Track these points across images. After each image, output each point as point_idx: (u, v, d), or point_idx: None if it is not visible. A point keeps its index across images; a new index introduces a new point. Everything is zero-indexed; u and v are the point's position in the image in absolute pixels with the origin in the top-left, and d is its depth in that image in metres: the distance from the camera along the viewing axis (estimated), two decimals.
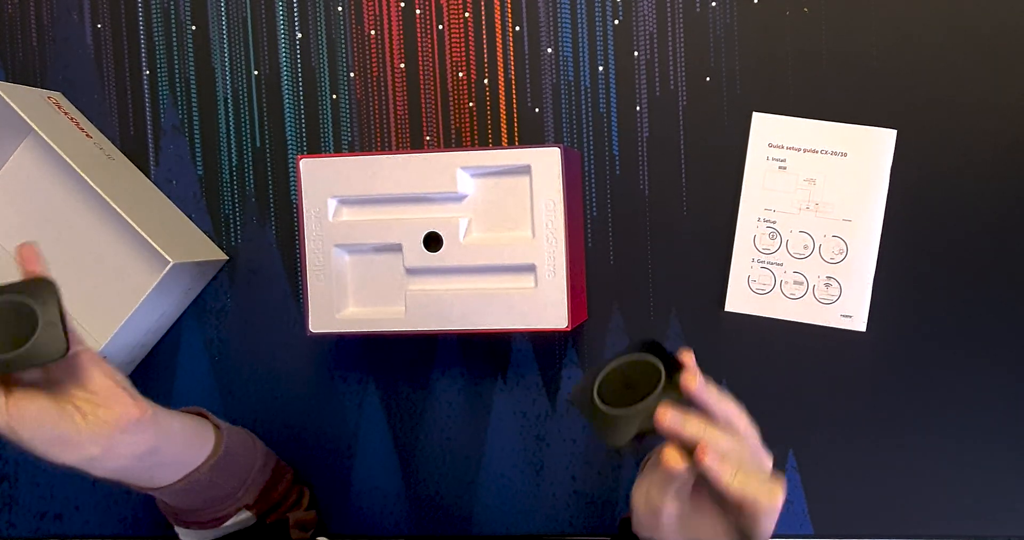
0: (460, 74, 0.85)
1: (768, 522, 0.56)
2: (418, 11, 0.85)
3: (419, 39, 0.85)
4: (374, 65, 0.86)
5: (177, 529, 0.75)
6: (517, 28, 0.84)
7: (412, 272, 0.78)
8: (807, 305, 0.81)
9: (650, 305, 0.83)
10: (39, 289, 0.58)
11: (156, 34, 0.88)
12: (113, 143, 0.88)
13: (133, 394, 0.62)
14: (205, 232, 0.88)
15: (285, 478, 0.80)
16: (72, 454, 0.60)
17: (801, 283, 0.81)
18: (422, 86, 0.85)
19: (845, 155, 0.80)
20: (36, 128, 0.78)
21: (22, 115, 0.78)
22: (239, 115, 0.87)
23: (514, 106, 0.84)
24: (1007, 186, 0.79)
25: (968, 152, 0.79)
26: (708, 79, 0.82)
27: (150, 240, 0.78)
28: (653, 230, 0.83)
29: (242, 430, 0.76)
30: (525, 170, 0.75)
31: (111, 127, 0.88)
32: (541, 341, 0.84)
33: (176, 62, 0.88)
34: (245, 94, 0.87)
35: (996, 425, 0.80)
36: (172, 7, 0.87)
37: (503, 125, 0.84)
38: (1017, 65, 0.79)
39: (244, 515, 0.73)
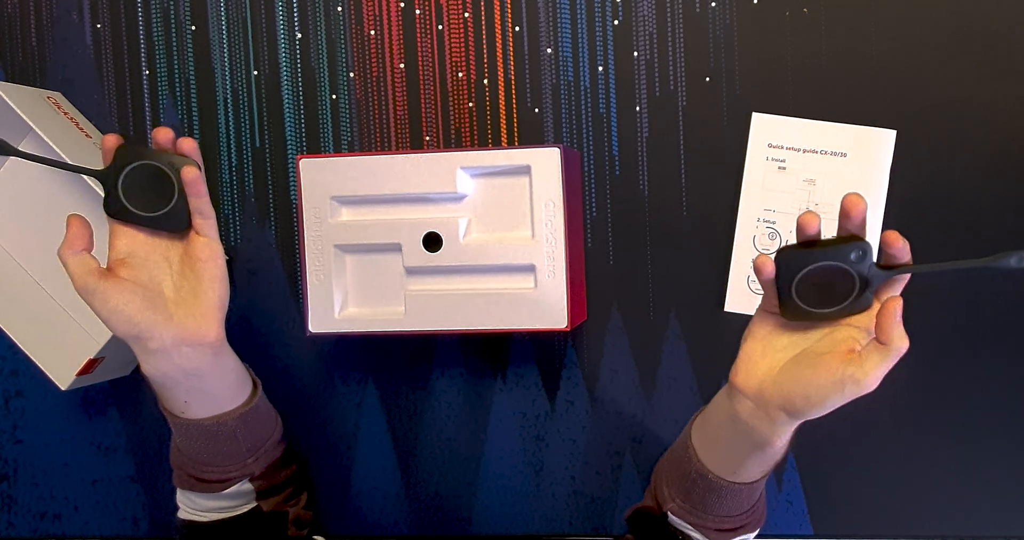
0: (460, 74, 0.85)
1: (888, 361, 0.57)
2: (418, 11, 0.85)
3: (419, 39, 0.85)
4: (374, 65, 0.86)
5: (179, 493, 0.75)
6: (517, 28, 0.84)
7: (412, 272, 0.78)
8: None
9: (650, 305, 0.83)
10: (185, 161, 0.65)
11: (156, 34, 0.88)
12: None
13: (221, 318, 0.67)
14: None
15: (292, 466, 0.80)
16: (131, 334, 0.64)
17: None
18: (422, 86, 0.85)
19: (845, 155, 0.80)
20: (36, 128, 0.78)
21: (22, 115, 0.78)
22: (239, 115, 0.87)
23: (514, 106, 0.84)
24: (1007, 186, 0.79)
25: (968, 152, 0.79)
26: (708, 79, 0.82)
27: None
28: (653, 230, 0.83)
29: (270, 403, 0.77)
30: (525, 170, 0.75)
31: (111, 127, 0.88)
32: (541, 341, 0.84)
33: (176, 62, 0.88)
34: (245, 94, 0.87)
35: (996, 425, 0.80)
36: (172, 7, 0.87)
37: (503, 125, 0.84)
38: (1017, 65, 0.79)
39: (246, 486, 0.74)
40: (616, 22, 0.83)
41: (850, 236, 0.58)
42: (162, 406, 0.70)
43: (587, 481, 0.85)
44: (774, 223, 0.81)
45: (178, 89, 0.88)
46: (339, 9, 0.86)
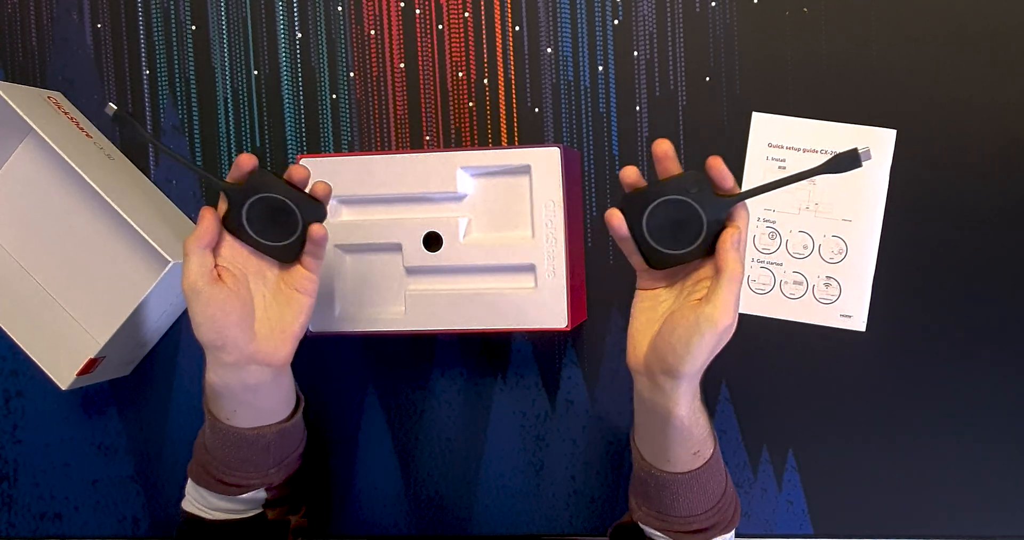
0: (460, 74, 0.85)
1: (731, 289, 0.58)
2: (418, 11, 0.85)
3: (419, 39, 0.85)
4: (374, 65, 0.86)
5: (190, 485, 0.75)
6: (517, 28, 0.84)
7: (412, 272, 0.78)
8: (807, 305, 0.81)
9: None
10: (315, 205, 0.66)
11: (156, 34, 0.88)
12: (113, 143, 0.88)
13: (296, 344, 0.68)
14: None
15: (304, 477, 0.80)
16: (213, 344, 0.65)
17: (801, 283, 0.81)
18: (422, 86, 0.85)
19: None
20: (36, 128, 0.78)
21: (22, 115, 0.78)
22: (239, 115, 0.87)
23: (514, 106, 0.84)
24: (1007, 186, 0.79)
25: (968, 152, 0.79)
26: (708, 79, 0.82)
27: (150, 240, 0.78)
28: None
29: (302, 416, 0.78)
30: (525, 170, 0.75)
31: (111, 127, 0.88)
32: (541, 341, 0.84)
33: (176, 62, 0.88)
34: (245, 94, 0.87)
35: (996, 425, 0.80)
36: (172, 7, 0.87)
37: (503, 125, 0.84)
38: (1017, 65, 0.79)
39: (260, 494, 0.74)
40: (616, 22, 0.83)
41: (683, 172, 0.60)
42: (207, 408, 0.70)
43: (587, 481, 0.85)
44: (774, 223, 0.81)
45: (178, 89, 0.88)
46: (339, 9, 0.86)
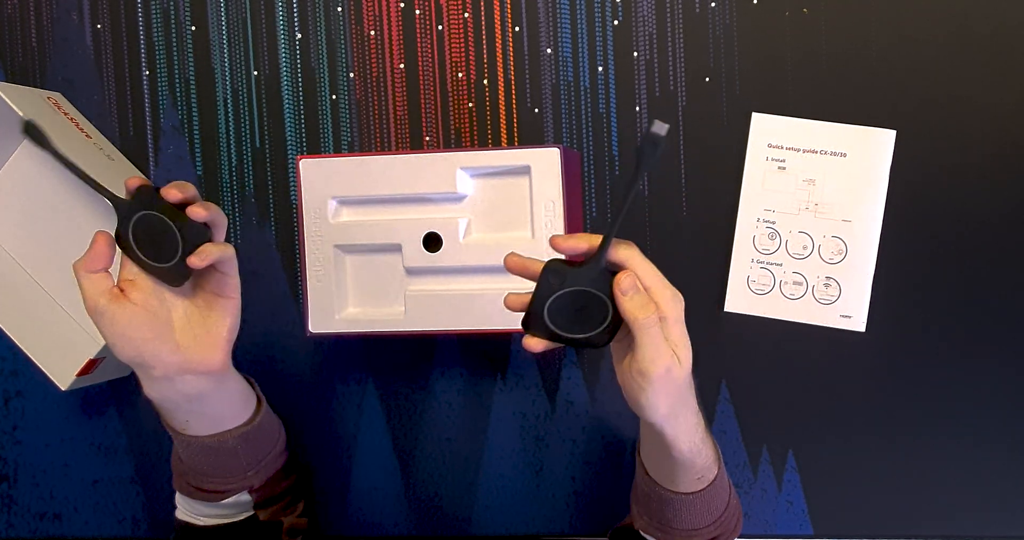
0: (460, 74, 0.85)
1: (646, 337, 0.56)
2: (418, 11, 0.85)
3: (419, 39, 0.85)
4: (374, 65, 0.86)
5: (177, 497, 0.75)
6: (517, 28, 0.84)
7: (412, 272, 0.78)
8: (806, 305, 0.81)
9: None
10: (195, 227, 0.61)
11: (156, 35, 0.88)
12: (113, 143, 0.88)
13: (229, 348, 0.65)
14: None
15: (292, 475, 0.80)
16: (135, 361, 0.63)
17: (800, 283, 0.81)
18: (422, 86, 0.85)
19: (845, 155, 0.80)
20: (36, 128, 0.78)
21: (22, 115, 0.78)
22: (239, 115, 0.87)
23: (514, 106, 0.84)
24: (1007, 186, 0.79)
25: (968, 152, 0.79)
26: (708, 79, 0.82)
27: None
28: (653, 230, 0.83)
29: (275, 414, 0.77)
30: (525, 170, 0.75)
31: (111, 127, 0.88)
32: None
33: (176, 62, 0.88)
34: (245, 94, 0.87)
35: (996, 425, 0.80)
36: (172, 8, 0.87)
37: (503, 125, 0.84)
38: (1017, 65, 0.79)
39: (244, 497, 0.74)
40: (616, 22, 0.83)
41: (543, 269, 0.58)
42: (163, 421, 0.69)
43: (587, 481, 0.85)
44: (774, 223, 0.81)
45: (178, 89, 0.88)
46: (339, 9, 0.86)
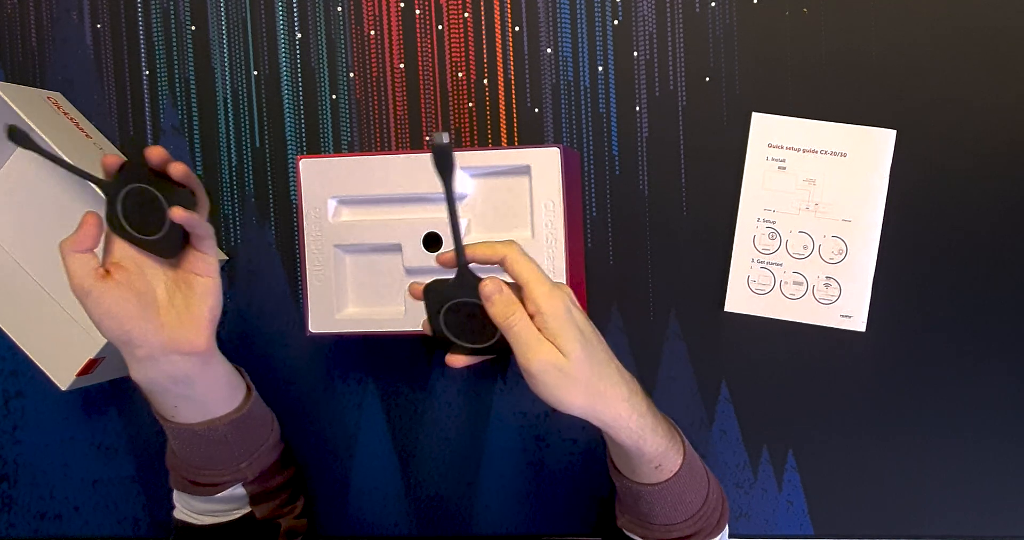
0: (460, 74, 0.85)
1: (513, 335, 0.59)
2: (418, 11, 0.85)
3: (419, 39, 0.85)
4: (374, 65, 0.86)
5: (175, 493, 0.76)
6: (517, 28, 0.84)
7: (412, 272, 0.78)
8: (807, 305, 0.81)
9: (650, 305, 0.83)
10: (181, 194, 0.63)
11: (156, 34, 0.88)
12: (113, 143, 0.88)
13: (212, 329, 0.66)
14: None
15: (288, 470, 0.80)
16: (120, 340, 0.64)
17: (801, 283, 0.81)
18: (422, 86, 0.85)
19: (845, 155, 0.80)
20: (36, 128, 0.78)
21: (22, 115, 0.78)
22: (239, 115, 0.87)
23: (514, 106, 0.84)
24: (1007, 186, 0.79)
25: (968, 152, 0.79)
26: (708, 79, 0.82)
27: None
28: (653, 230, 0.83)
29: (267, 407, 0.77)
30: (525, 170, 0.75)
31: (111, 127, 0.88)
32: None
33: (176, 62, 0.88)
34: (245, 94, 0.87)
35: (996, 425, 0.80)
36: (172, 7, 0.87)
37: (503, 125, 0.84)
38: (1017, 65, 0.79)
39: (239, 491, 0.74)
40: (616, 22, 0.83)
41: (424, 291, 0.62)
42: (154, 410, 0.70)
43: (587, 481, 0.85)
44: (774, 223, 0.81)
45: (178, 89, 0.88)
46: (339, 9, 0.86)
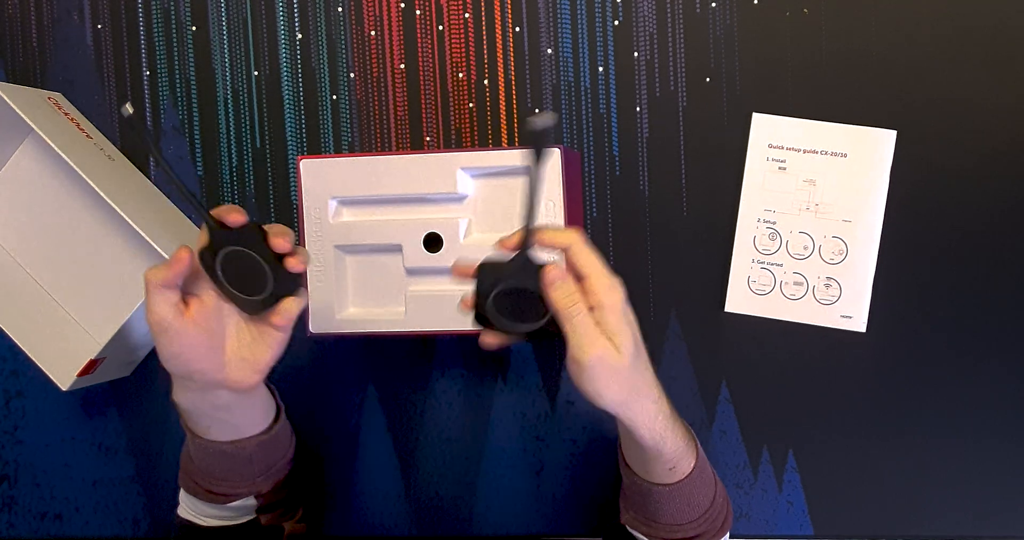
0: (460, 74, 0.85)
1: (571, 325, 0.58)
2: (418, 12, 0.85)
3: (419, 40, 0.85)
4: (374, 65, 0.86)
5: (182, 495, 0.76)
6: (517, 28, 0.84)
7: (412, 272, 0.78)
8: (807, 306, 0.81)
9: (650, 305, 0.83)
10: (291, 278, 0.64)
11: (156, 35, 0.88)
12: (113, 143, 0.88)
13: (265, 373, 0.66)
14: None
15: (295, 482, 0.80)
16: (180, 375, 0.64)
17: (801, 284, 0.81)
18: (422, 86, 0.85)
19: (845, 156, 0.80)
20: (36, 128, 0.78)
21: (22, 115, 0.78)
22: (239, 116, 0.87)
23: (514, 106, 0.84)
24: (1007, 186, 0.79)
25: (968, 152, 0.79)
26: (708, 80, 0.82)
27: (150, 240, 0.78)
28: (653, 230, 0.83)
29: (290, 424, 0.78)
30: (525, 171, 0.75)
31: (111, 127, 0.88)
32: (541, 341, 0.84)
33: (176, 63, 0.88)
34: (245, 94, 0.87)
35: (996, 425, 0.80)
36: (172, 7, 0.87)
37: (503, 125, 0.84)
38: (1017, 65, 0.79)
39: (250, 501, 0.74)
40: (616, 22, 0.83)
41: (479, 267, 0.62)
42: (183, 422, 0.70)
43: (588, 481, 0.85)
44: (774, 223, 0.81)
45: (178, 89, 0.88)
46: (339, 9, 0.86)
